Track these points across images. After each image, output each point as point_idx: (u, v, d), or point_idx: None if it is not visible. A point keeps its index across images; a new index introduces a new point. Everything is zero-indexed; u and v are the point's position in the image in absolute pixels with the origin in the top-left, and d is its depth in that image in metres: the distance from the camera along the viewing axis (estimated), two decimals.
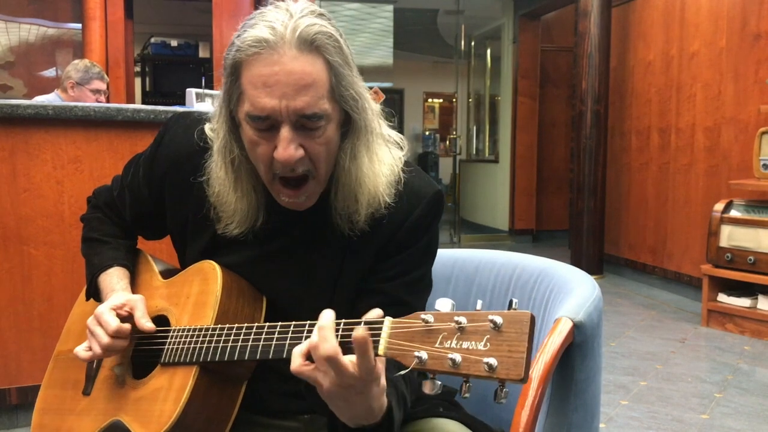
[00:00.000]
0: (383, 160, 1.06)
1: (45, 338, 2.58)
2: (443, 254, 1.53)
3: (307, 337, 0.90)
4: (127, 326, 1.10)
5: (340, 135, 1.03)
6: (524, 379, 0.73)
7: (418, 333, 0.80)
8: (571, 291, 1.23)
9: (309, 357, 0.85)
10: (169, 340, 1.10)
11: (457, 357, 0.76)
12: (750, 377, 3.40)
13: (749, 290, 4.16)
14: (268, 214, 1.09)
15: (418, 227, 1.08)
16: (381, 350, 0.82)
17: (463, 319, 0.78)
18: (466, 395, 0.78)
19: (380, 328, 0.83)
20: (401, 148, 1.12)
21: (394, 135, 1.13)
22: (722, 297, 4.27)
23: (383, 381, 0.85)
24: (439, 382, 0.79)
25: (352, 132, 1.03)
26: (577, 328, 1.12)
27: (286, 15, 0.96)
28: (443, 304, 0.81)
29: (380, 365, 0.83)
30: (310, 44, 0.95)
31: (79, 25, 5.46)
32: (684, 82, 5.23)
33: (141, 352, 1.16)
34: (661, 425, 2.80)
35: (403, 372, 0.80)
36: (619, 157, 6.09)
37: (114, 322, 1.09)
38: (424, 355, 0.78)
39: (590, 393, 1.18)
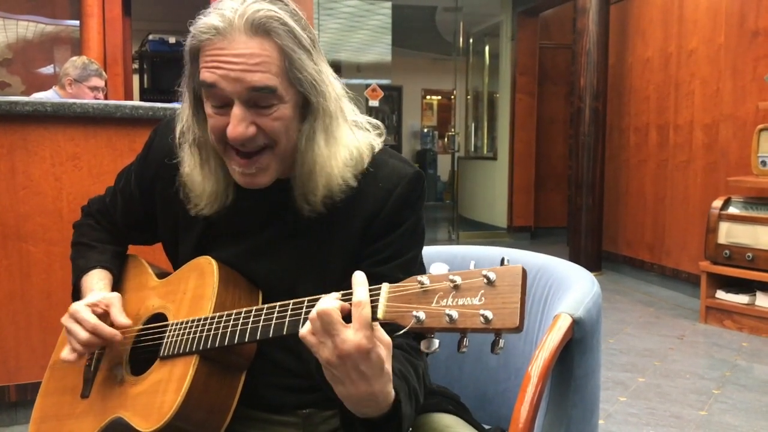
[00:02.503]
0: (341, 142, 1.07)
1: (44, 335, 2.58)
2: (441, 250, 1.53)
3: (306, 313, 0.91)
4: (102, 324, 1.11)
5: (300, 117, 1.05)
6: (519, 328, 0.75)
7: (415, 295, 0.82)
8: (570, 287, 1.24)
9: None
10: (167, 334, 1.10)
11: (454, 313, 0.78)
12: (748, 374, 3.40)
13: (747, 287, 4.17)
14: (236, 192, 1.12)
15: (403, 206, 1.09)
16: (380, 314, 0.83)
17: (457, 278, 0.80)
18: (464, 350, 0.80)
19: (378, 293, 0.85)
20: (380, 134, 1.14)
21: (365, 121, 1.14)
22: (720, 294, 4.27)
23: (387, 367, 0.86)
24: (437, 341, 0.81)
25: (310, 114, 1.05)
26: (576, 324, 1.12)
27: (238, 2, 1.00)
28: (438, 268, 0.82)
29: (384, 348, 0.84)
30: (257, 28, 0.99)
31: (77, 22, 5.44)
32: (682, 79, 5.23)
33: (139, 350, 1.16)
34: (659, 421, 2.81)
35: (401, 332, 0.81)
36: (618, 154, 6.09)
37: (92, 319, 1.11)
38: (421, 314, 0.80)
39: (589, 389, 1.18)
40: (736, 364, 3.55)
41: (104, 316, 1.14)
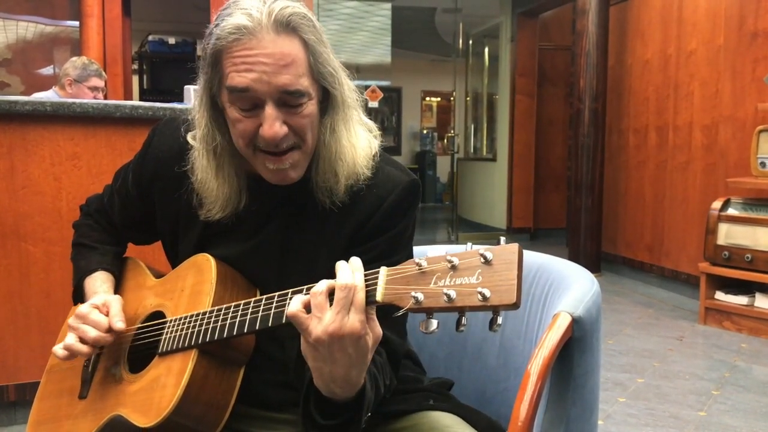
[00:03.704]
0: (359, 134, 1.10)
1: (43, 335, 2.57)
2: (441, 251, 1.53)
3: None
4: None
5: (321, 111, 1.07)
6: (517, 304, 0.76)
7: (413, 276, 0.83)
8: (570, 286, 1.24)
9: (307, 309, 0.88)
10: (165, 331, 1.10)
11: (452, 292, 0.79)
12: (747, 375, 3.40)
13: (746, 288, 4.17)
14: (251, 197, 1.13)
15: (393, 213, 1.10)
16: (379, 296, 0.84)
17: (455, 259, 0.81)
18: (462, 329, 0.81)
19: (377, 277, 0.86)
20: (375, 136, 1.15)
21: (368, 122, 1.16)
22: (719, 295, 4.28)
23: (369, 357, 0.89)
24: (435, 321, 0.82)
25: (331, 107, 1.07)
26: (575, 322, 1.12)
27: (260, 1, 1.00)
28: (436, 251, 0.83)
29: (371, 338, 0.87)
30: (286, 26, 0.99)
31: (77, 23, 5.44)
32: (681, 80, 5.23)
33: (138, 348, 1.16)
34: (658, 422, 2.81)
35: (401, 312, 0.83)
36: (617, 155, 6.09)
37: (104, 320, 1.12)
38: (420, 295, 0.81)
39: (589, 388, 1.18)
40: (735, 365, 3.55)
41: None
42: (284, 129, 1.01)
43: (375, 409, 1.02)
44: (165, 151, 1.18)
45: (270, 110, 1.00)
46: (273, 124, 1.00)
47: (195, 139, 1.12)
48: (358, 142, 1.09)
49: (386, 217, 1.09)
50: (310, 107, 1.03)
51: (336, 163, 1.06)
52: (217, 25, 1.01)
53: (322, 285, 0.87)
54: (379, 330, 0.87)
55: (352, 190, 1.09)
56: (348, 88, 1.09)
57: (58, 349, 1.13)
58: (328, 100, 1.07)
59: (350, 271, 0.87)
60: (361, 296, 0.85)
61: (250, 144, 1.04)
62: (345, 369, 0.87)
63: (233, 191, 1.11)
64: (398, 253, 1.10)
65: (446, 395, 1.21)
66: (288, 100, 1.01)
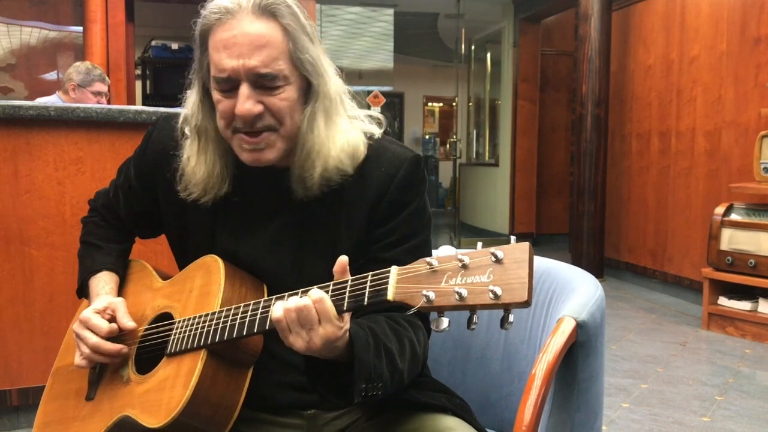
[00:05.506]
0: (340, 127, 1.11)
1: (46, 339, 2.57)
2: (451, 251, 1.53)
3: None
4: (116, 327, 1.15)
5: (303, 100, 1.09)
6: (528, 302, 0.76)
7: (424, 275, 0.84)
8: (574, 290, 1.24)
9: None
10: (174, 332, 1.11)
11: (463, 291, 0.80)
12: (751, 380, 3.39)
13: (750, 293, 4.16)
14: (235, 184, 1.15)
15: (406, 188, 1.12)
16: (390, 295, 0.85)
17: (465, 258, 0.82)
18: (473, 327, 0.82)
19: (387, 276, 0.87)
20: (380, 124, 1.17)
21: (363, 115, 1.17)
22: (723, 300, 4.27)
23: (347, 326, 0.94)
24: (446, 320, 0.83)
25: (311, 97, 1.09)
26: (580, 327, 1.12)
27: None
28: (446, 250, 0.84)
29: (339, 321, 0.92)
30: (265, 9, 1.04)
31: (81, 28, 5.45)
32: (684, 85, 5.23)
33: (145, 350, 1.17)
34: (662, 428, 2.80)
35: (412, 311, 0.84)
36: (620, 160, 6.09)
37: (104, 325, 1.14)
38: (431, 294, 0.82)
39: (593, 392, 1.18)
40: (738, 370, 3.54)
41: (111, 321, 1.16)
42: (258, 107, 1.04)
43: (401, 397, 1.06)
44: (164, 144, 1.20)
45: (244, 89, 1.04)
46: (245, 102, 1.04)
47: (183, 115, 1.17)
48: (336, 136, 1.10)
49: (400, 193, 1.11)
50: (289, 92, 1.06)
51: (311, 152, 1.08)
52: (204, 7, 1.07)
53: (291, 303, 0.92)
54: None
55: (329, 183, 1.10)
56: (332, 81, 1.11)
57: (78, 362, 1.17)
58: (309, 91, 1.09)
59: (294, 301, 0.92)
60: (325, 306, 0.90)
61: (229, 125, 1.07)
62: (333, 348, 0.94)
63: (213, 176, 1.13)
64: (420, 234, 1.12)
65: (466, 405, 1.21)
66: (264, 83, 1.04)
